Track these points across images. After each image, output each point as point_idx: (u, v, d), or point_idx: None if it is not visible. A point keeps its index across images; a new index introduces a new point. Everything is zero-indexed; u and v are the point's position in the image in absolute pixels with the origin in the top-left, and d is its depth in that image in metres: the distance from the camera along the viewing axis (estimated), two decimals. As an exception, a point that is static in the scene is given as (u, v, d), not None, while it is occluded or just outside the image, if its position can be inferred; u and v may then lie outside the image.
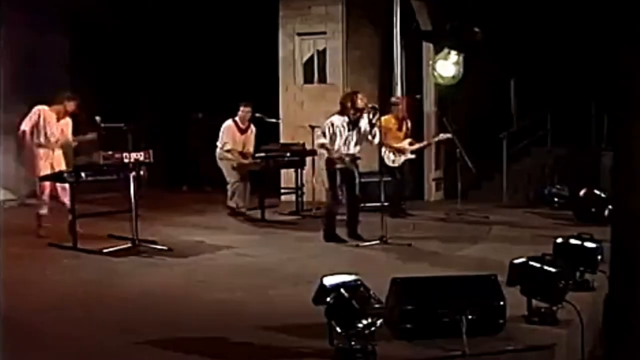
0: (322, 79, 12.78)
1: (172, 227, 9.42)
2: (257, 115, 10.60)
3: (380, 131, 8.19)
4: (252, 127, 10.63)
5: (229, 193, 10.37)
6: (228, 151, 10.33)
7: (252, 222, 9.93)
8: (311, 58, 12.90)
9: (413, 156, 10.59)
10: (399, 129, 10.42)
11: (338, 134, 8.08)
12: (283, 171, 12.06)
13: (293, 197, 11.10)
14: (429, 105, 12.82)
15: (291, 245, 8.27)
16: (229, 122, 10.44)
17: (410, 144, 10.49)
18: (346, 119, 8.09)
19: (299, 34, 12.81)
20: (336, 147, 8.11)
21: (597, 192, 9.79)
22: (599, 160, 11.86)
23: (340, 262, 7.13)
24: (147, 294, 5.88)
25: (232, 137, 10.36)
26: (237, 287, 6.07)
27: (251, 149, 10.54)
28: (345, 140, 8.13)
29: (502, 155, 12.29)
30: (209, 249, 7.87)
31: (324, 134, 8.13)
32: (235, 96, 10.82)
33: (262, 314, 5.16)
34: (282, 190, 11.92)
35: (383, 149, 9.74)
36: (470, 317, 3.95)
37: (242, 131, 10.50)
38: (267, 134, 11.49)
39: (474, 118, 12.91)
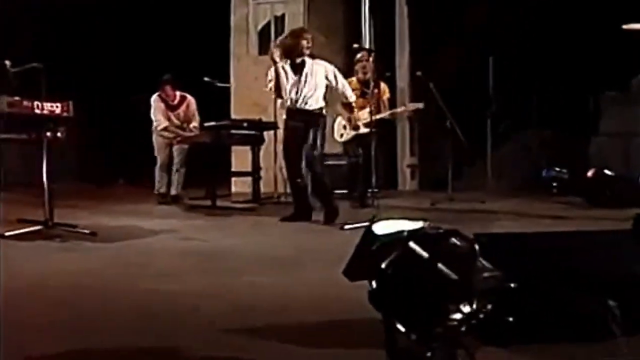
0: (280, 50, 11.12)
1: (100, 214, 7.62)
2: (206, 79, 8.90)
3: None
4: (189, 99, 9.08)
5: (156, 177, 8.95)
6: (164, 129, 8.84)
7: (198, 209, 8.13)
8: (267, 25, 11.31)
9: (366, 130, 8.03)
10: (362, 94, 8.25)
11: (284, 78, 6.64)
12: (234, 154, 10.26)
13: (247, 187, 9.35)
14: (403, 80, 11.27)
15: (248, 229, 6.65)
16: (154, 97, 9.00)
17: (372, 113, 7.89)
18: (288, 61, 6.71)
19: (254, -2, 11.29)
20: (287, 99, 6.60)
21: (607, 172, 8.43)
22: (587, 143, 10.70)
23: (320, 244, 5.45)
24: (53, 285, 4.07)
25: (162, 114, 8.91)
26: (183, 274, 4.34)
27: (195, 124, 8.98)
28: (296, 90, 6.55)
29: (484, 139, 10.90)
30: (143, 233, 6.11)
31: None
32: (180, 72, 9.17)
33: (226, 309, 3.42)
34: (234, 176, 10.08)
35: (337, 120, 8.24)
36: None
37: (173, 107, 9.01)
38: (216, 111, 9.71)
39: (448, 99, 11.50)
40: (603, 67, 11.21)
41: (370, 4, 10.70)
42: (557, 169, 9.96)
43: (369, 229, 2.09)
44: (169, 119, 8.94)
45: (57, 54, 11.17)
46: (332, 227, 6.22)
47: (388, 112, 8.97)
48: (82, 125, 11.90)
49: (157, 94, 9.00)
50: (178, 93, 9.03)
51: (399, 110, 9.32)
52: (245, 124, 8.65)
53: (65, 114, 6.06)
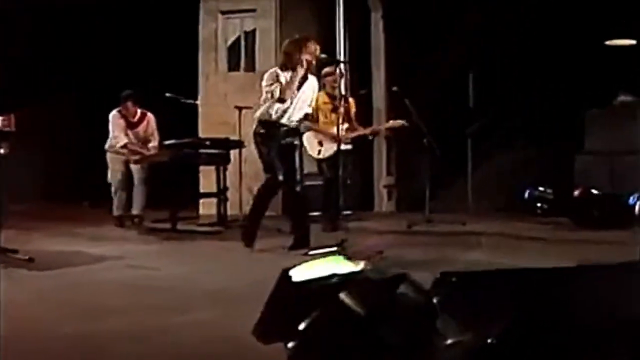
0: (250, 67, 10.64)
1: (54, 237, 7.16)
2: (168, 95, 8.39)
3: None
4: (149, 116, 8.63)
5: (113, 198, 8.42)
6: (124, 147, 8.34)
7: (157, 233, 7.57)
8: (237, 41, 10.79)
9: (348, 147, 7.75)
10: (333, 109, 7.76)
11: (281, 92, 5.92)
12: (202, 174, 9.71)
13: (213, 209, 8.73)
14: (379, 99, 10.81)
15: (208, 256, 6.08)
16: (113, 113, 8.50)
17: (349, 130, 7.85)
18: (292, 73, 5.95)
19: (223, 12, 10.70)
20: (274, 111, 5.96)
21: (594, 191, 8.02)
22: (572, 162, 10.21)
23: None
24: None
25: (122, 131, 8.44)
26: (118, 311, 3.75)
27: (155, 143, 8.51)
28: (290, 103, 5.96)
29: (465, 158, 10.50)
30: (88, 259, 5.54)
31: (271, 85, 5.96)
32: (146, 88, 8.68)
33: (157, 356, 2.88)
34: (200, 197, 9.52)
35: (307, 136, 7.55)
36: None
37: (132, 125, 8.55)
38: (184, 130, 9.19)
39: (427, 116, 11.08)
40: (587, 84, 10.91)
41: (344, 19, 10.13)
42: (541, 188, 9.42)
43: (285, 274, 1.55)
44: (127, 136, 8.45)
45: (28, 66, 10.78)
46: (296, 253, 5.67)
47: (370, 129, 8.57)
48: (52, 140, 11.52)
49: (117, 109, 8.48)
50: (139, 110, 8.55)
51: (382, 127, 8.90)
52: (207, 142, 8.10)
53: (7, 129, 5.55)
